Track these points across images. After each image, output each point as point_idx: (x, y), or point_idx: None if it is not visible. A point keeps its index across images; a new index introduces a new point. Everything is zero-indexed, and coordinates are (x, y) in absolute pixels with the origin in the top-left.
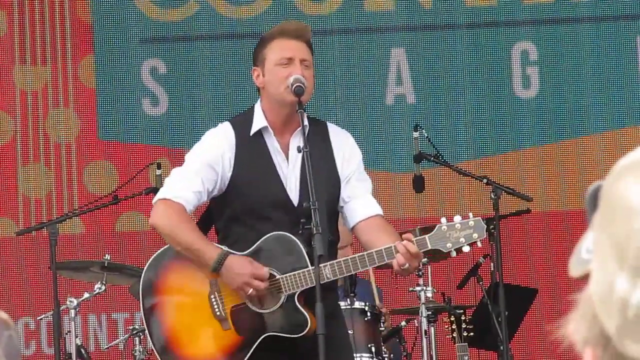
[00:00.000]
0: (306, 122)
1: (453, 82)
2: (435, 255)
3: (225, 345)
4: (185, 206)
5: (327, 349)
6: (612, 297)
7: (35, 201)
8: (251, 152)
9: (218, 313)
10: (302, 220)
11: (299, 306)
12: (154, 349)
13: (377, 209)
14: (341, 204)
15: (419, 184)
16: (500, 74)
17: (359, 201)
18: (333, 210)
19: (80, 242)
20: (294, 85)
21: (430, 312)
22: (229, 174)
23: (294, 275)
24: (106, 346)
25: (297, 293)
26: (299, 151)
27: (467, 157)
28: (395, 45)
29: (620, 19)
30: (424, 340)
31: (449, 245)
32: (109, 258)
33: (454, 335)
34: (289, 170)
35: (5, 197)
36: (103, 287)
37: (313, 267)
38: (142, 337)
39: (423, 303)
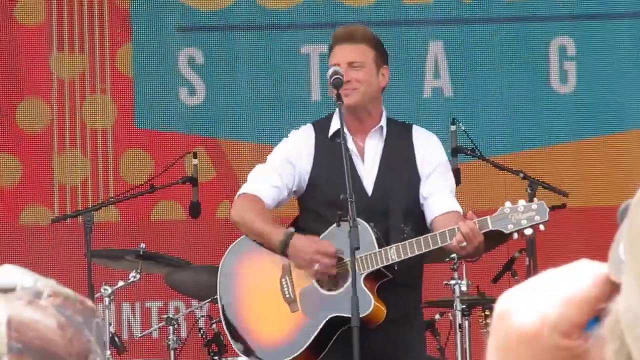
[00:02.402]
0: (383, 123)
1: (490, 76)
2: (493, 238)
3: (293, 327)
4: (261, 198)
5: (396, 354)
6: (636, 329)
7: (70, 189)
8: (329, 152)
9: (287, 295)
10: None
11: (364, 287)
12: (226, 332)
13: (454, 206)
14: (421, 200)
15: (456, 177)
16: (537, 68)
17: (437, 197)
18: (413, 207)
19: (116, 230)
20: (332, 78)
21: (464, 306)
22: (308, 169)
23: (361, 257)
24: (140, 334)
25: (363, 275)
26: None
27: (504, 151)
28: (433, 38)
29: None
30: (458, 334)
31: (510, 226)
32: (144, 247)
33: (488, 329)
34: (366, 170)
35: (41, 185)
36: (138, 276)
37: (379, 250)
38: (175, 326)
39: (457, 296)
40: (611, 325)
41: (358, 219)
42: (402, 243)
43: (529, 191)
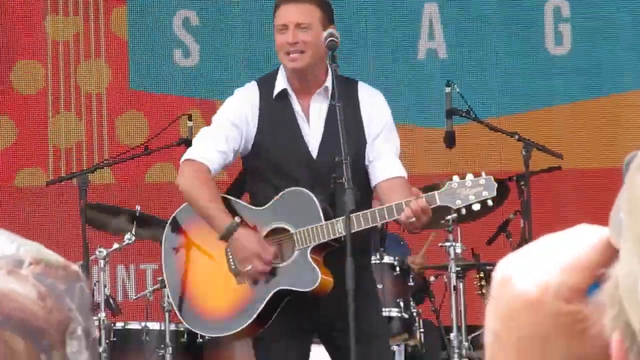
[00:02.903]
0: (328, 83)
1: (485, 38)
2: (462, 214)
3: (239, 299)
4: (209, 165)
5: (345, 315)
6: (636, 292)
7: (65, 151)
8: (274, 112)
9: (233, 267)
10: (333, 175)
11: (310, 261)
12: (171, 302)
13: (399, 171)
14: (366, 162)
15: (450, 139)
16: (532, 30)
17: (382, 161)
18: (359, 166)
19: (110, 192)
20: (328, 40)
21: (459, 268)
22: (253, 133)
23: (308, 230)
24: (135, 296)
25: (310, 248)
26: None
27: (499, 113)
28: (428, 0)
29: None
30: (453, 296)
31: (458, 202)
32: (139, 209)
33: (483, 291)
34: (311, 131)
35: (36, 147)
36: (133, 238)
37: (326, 222)
38: None
39: (452, 259)
40: (610, 291)
41: (303, 189)
42: (349, 217)
43: (524, 153)
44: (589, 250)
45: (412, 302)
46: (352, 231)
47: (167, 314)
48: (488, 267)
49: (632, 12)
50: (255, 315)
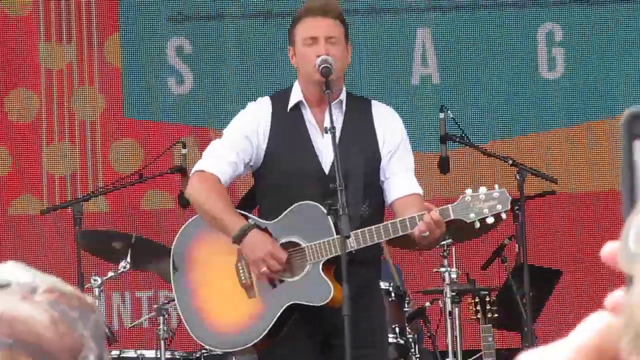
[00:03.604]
0: (343, 97)
1: (478, 63)
2: (463, 231)
3: (250, 313)
4: (219, 177)
5: (356, 328)
6: None
7: (60, 179)
8: (287, 125)
9: (244, 281)
10: (328, 202)
11: (322, 275)
12: (181, 318)
13: (414, 188)
14: (382, 178)
15: (444, 164)
16: (525, 55)
17: (397, 179)
18: (372, 184)
19: (105, 220)
20: (321, 67)
21: (454, 293)
22: (264, 146)
23: (320, 244)
24: (130, 324)
25: (322, 262)
26: (326, 132)
27: (493, 138)
28: (421, 25)
29: None
30: (448, 321)
31: (472, 215)
32: (134, 237)
33: (478, 316)
34: (324, 144)
35: (31, 176)
36: (128, 266)
37: (338, 237)
38: (166, 316)
39: (447, 284)
40: (625, 316)
41: (314, 203)
42: (362, 231)
43: (518, 178)
44: (593, 334)
45: (407, 328)
46: (365, 245)
47: (162, 342)
48: (483, 292)
49: (624, 37)
50: (267, 330)
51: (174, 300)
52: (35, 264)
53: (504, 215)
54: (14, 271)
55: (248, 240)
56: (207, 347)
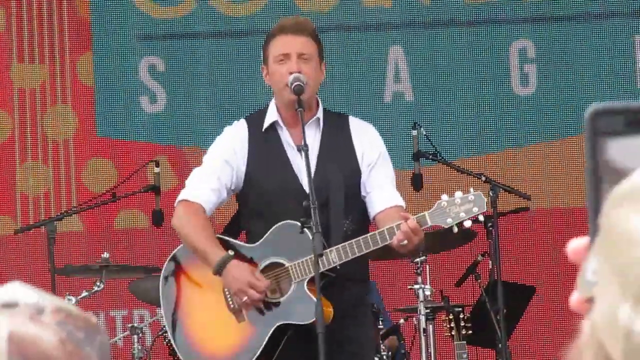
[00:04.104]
0: (320, 114)
1: (451, 80)
2: (439, 241)
3: (240, 338)
4: (203, 205)
5: (341, 348)
6: (616, 325)
7: (33, 199)
8: (264, 146)
9: (232, 306)
10: (301, 219)
11: (308, 293)
12: (174, 347)
13: (396, 200)
14: (363, 193)
15: (417, 181)
16: (498, 71)
17: (379, 193)
18: (353, 199)
19: (79, 240)
20: (293, 85)
21: (428, 310)
22: (243, 168)
23: (302, 262)
24: None
25: (306, 280)
26: (299, 150)
27: (466, 154)
28: (394, 42)
29: (618, 17)
30: (422, 338)
31: (449, 220)
32: (107, 256)
33: (452, 333)
34: (303, 163)
35: (4, 195)
36: (102, 285)
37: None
38: (140, 335)
39: (421, 301)
40: (586, 335)
41: (294, 222)
42: (343, 245)
43: (491, 195)
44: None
45: (382, 345)
46: (348, 259)
47: None
48: (457, 309)
49: (597, 53)
50: (258, 353)
51: (149, 319)
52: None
53: (481, 217)
54: (20, 291)
55: (227, 273)
56: None
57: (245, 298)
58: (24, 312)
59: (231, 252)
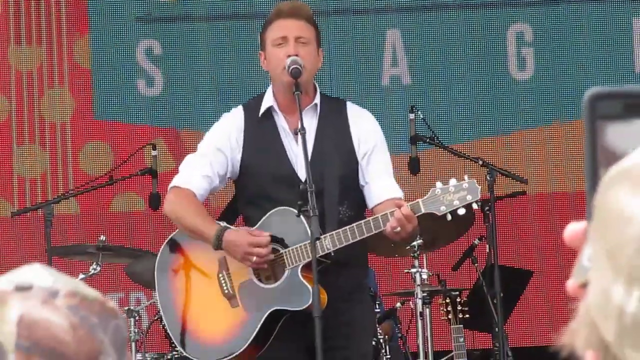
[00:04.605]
0: (317, 100)
1: (448, 64)
2: (436, 236)
3: (235, 323)
4: (194, 191)
5: (339, 333)
6: (609, 305)
7: (30, 182)
8: (259, 133)
9: (226, 291)
10: (298, 202)
11: (302, 279)
12: (168, 331)
13: (394, 192)
14: (361, 182)
15: (414, 165)
16: (495, 55)
17: (377, 184)
18: (349, 186)
19: (76, 222)
20: (291, 68)
21: (425, 294)
22: (238, 156)
23: (296, 248)
24: None
25: (300, 266)
26: (296, 133)
27: (463, 138)
28: (391, 26)
29: (616, 0)
30: (419, 322)
31: (442, 208)
32: (104, 239)
33: (449, 317)
34: (299, 149)
35: (1, 178)
36: (98, 268)
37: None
38: (137, 318)
39: (418, 285)
40: (581, 317)
41: (288, 208)
42: (337, 232)
43: (489, 178)
44: None
45: (378, 329)
46: (342, 245)
47: (133, 344)
48: (454, 293)
49: (594, 37)
50: (252, 338)
51: (145, 302)
52: (6, 267)
53: (475, 206)
54: (36, 274)
55: (226, 243)
56: (193, 358)
57: (254, 259)
58: (37, 295)
59: (223, 224)
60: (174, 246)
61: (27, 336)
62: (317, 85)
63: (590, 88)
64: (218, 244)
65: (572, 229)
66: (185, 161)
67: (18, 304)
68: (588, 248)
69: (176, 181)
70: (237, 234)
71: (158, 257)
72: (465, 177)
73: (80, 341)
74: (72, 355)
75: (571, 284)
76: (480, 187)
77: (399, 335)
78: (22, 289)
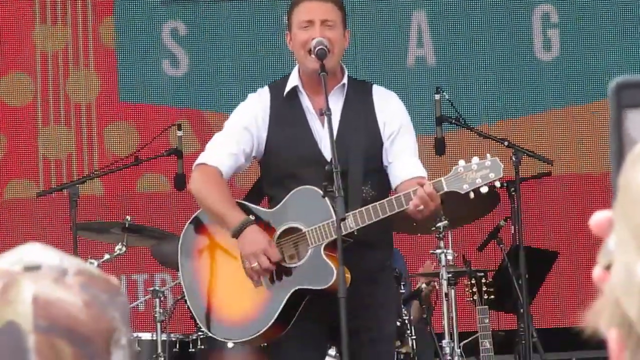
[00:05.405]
0: (345, 81)
1: (474, 45)
2: (458, 214)
3: (257, 303)
4: (219, 169)
5: (363, 313)
6: (632, 282)
7: (55, 162)
8: (285, 112)
9: None
10: (324, 184)
11: (325, 258)
12: (192, 312)
13: (418, 171)
14: (385, 163)
15: (440, 146)
16: (521, 36)
17: (401, 163)
18: (373, 167)
19: (101, 203)
20: (317, 49)
21: (450, 275)
22: (264, 135)
23: (319, 227)
24: None
25: (323, 245)
26: (321, 114)
27: (488, 119)
28: (417, 7)
29: None
30: (445, 303)
31: (465, 186)
32: (130, 219)
33: (474, 298)
34: (324, 130)
35: (26, 159)
36: (124, 249)
37: (333, 220)
38: (162, 299)
39: (443, 266)
40: (604, 296)
41: (312, 187)
42: (360, 210)
43: (514, 159)
44: None
45: (403, 310)
46: (364, 224)
47: (158, 325)
48: (479, 274)
49: (619, 17)
50: (275, 317)
51: (170, 283)
52: None
53: (497, 184)
54: (42, 253)
55: (245, 235)
56: (219, 339)
57: (255, 264)
58: (48, 274)
59: (252, 217)
60: (198, 225)
61: (45, 316)
62: (344, 67)
63: (615, 71)
64: (237, 233)
65: (598, 218)
66: (212, 139)
67: (30, 284)
68: (613, 233)
69: (202, 158)
70: (260, 235)
71: (182, 237)
72: (488, 155)
73: (95, 319)
74: (90, 334)
75: (597, 271)
76: (503, 165)
77: (424, 315)
78: (32, 268)
